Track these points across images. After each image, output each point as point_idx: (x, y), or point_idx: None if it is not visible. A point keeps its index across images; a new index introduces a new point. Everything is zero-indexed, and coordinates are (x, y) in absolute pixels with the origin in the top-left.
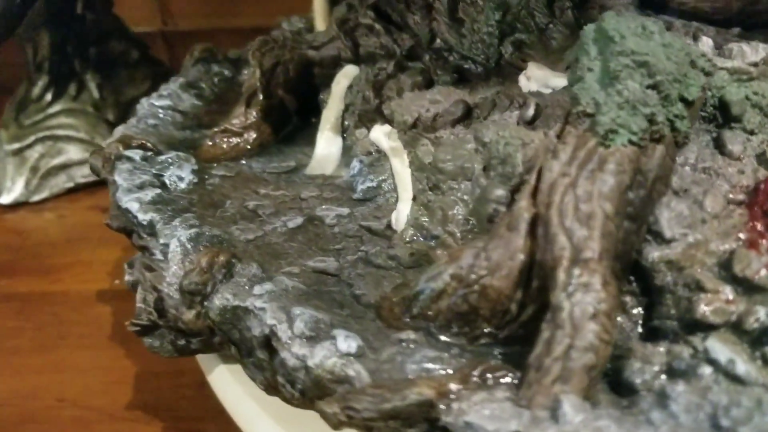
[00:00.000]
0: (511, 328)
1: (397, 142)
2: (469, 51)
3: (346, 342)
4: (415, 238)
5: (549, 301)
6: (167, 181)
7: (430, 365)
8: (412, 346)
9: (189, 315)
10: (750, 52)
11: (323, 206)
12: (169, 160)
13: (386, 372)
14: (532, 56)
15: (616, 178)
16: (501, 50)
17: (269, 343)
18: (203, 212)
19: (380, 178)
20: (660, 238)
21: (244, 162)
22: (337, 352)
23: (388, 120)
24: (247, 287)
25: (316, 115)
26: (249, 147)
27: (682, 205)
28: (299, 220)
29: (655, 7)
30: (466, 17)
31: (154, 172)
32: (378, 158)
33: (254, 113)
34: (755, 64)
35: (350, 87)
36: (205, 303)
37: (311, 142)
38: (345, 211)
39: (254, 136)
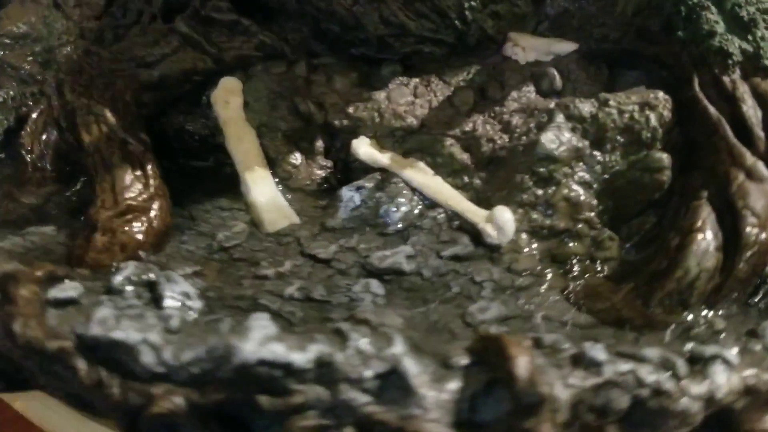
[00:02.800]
0: None
1: (389, 153)
2: (435, 33)
3: None
4: (534, 243)
5: None
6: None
7: None
8: None
9: None
10: None
11: (376, 254)
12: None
13: None
14: (507, 27)
15: None
16: (483, 26)
17: None
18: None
19: (405, 199)
20: None
21: (167, 252)
22: None
23: (334, 131)
24: None
25: (188, 156)
26: (165, 226)
27: None
28: (374, 282)
29: None
30: None
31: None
32: (383, 179)
33: (152, 175)
34: None
35: (246, 104)
36: None
37: (225, 190)
38: (406, 250)
39: (163, 206)
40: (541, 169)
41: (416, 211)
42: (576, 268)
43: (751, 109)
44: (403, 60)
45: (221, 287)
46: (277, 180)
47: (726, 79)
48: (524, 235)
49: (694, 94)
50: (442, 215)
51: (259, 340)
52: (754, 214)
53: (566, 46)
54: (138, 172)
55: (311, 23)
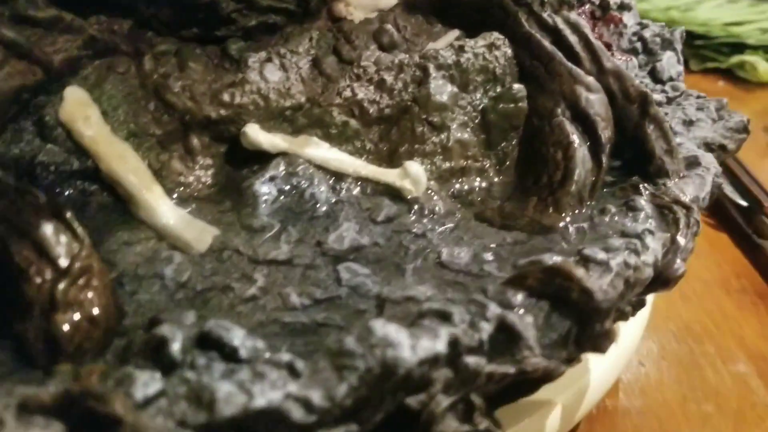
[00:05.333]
0: None
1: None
2: (280, 1)
3: None
4: (441, 187)
5: None
6: None
7: None
8: None
9: None
10: None
11: (328, 238)
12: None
13: None
14: None
15: None
16: None
17: None
18: None
19: (319, 178)
20: None
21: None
22: None
23: (211, 124)
24: None
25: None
26: (109, 279)
27: None
28: (350, 265)
29: None
30: None
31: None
32: (288, 163)
33: (71, 219)
34: None
35: (104, 114)
36: None
37: (113, 222)
38: (351, 225)
39: (96, 256)
40: (435, 119)
41: (332, 188)
42: (476, 199)
43: (571, 36)
44: (243, 36)
45: None
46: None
47: (544, 15)
48: (432, 182)
49: (526, 31)
50: (353, 185)
51: (409, 343)
52: (603, 118)
53: (390, 1)
54: (58, 223)
55: (133, 8)
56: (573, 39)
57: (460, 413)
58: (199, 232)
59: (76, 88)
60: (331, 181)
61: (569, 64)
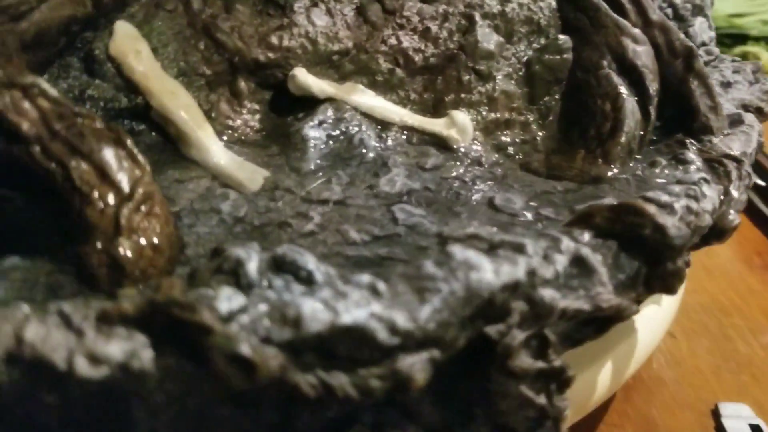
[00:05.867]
0: None
1: (326, 80)
2: None
3: None
4: (486, 137)
5: None
6: None
7: None
8: None
9: None
10: None
11: (380, 181)
12: None
13: None
14: None
15: None
16: None
17: None
18: None
19: (367, 124)
20: None
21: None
22: None
23: (259, 67)
24: None
25: None
26: (168, 207)
27: None
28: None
29: None
30: None
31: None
32: (336, 108)
33: (131, 144)
34: None
35: (155, 51)
36: None
37: (163, 162)
38: (400, 171)
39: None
40: (482, 68)
41: (379, 136)
42: (520, 152)
43: None
44: None
45: None
46: None
47: None
48: (478, 132)
49: None
50: (399, 134)
51: (491, 267)
52: (650, 71)
53: None
54: (119, 147)
55: None
56: None
57: (534, 349)
58: (250, 173)
59: (125, 23)
60: (377, 129)
61: (615, 15)
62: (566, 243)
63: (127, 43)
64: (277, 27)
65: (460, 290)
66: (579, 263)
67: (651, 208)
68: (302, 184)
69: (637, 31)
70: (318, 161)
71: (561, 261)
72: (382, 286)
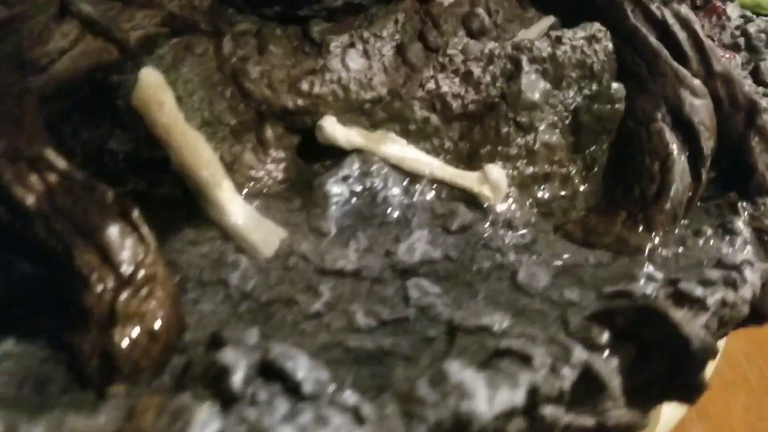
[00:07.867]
0: None
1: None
2: None
3: None
4: (522, 193)
5: None
6: None
7: None
8: None
9: None
10: None
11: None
12: None
13: None
14: None
15: None
16: None
17: None
18: None
19: (394, 180)
20: None
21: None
22: None
23: (287, 115)
24: None
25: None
26: (174, 287)
27: None
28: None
29: None
30: None
31: None
32: (363, 161)
33: (138, 221)
34: None
35: (179, 100)
36: None
37: (180, 219)
38: (423, 235)
39: (163, 261)
40: (524, 119)
41: (406, 190)
42: (557, 209)
43: (680, 32)
44: (326, 16)
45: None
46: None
47: (652, 6)
48: (513, 188)
49: (631, 23)
50: (428, 188)
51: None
52: (706, 128)
53: None
54: (125, 224)
55: None
56: (682, 36)
57: None
58: (266, 235)
59: (151, 70)
60: (405, 183)
61: (675, 63)
62: (578, 354)
63: (151, 93)
64: (310, 71)
65: (449, 420)
66: (589, 378)
67: (677, 315)
68: (318, 249)
69: (697, 82)
70: (338, 220)
71: (569, 376)
72: (367, 409)
